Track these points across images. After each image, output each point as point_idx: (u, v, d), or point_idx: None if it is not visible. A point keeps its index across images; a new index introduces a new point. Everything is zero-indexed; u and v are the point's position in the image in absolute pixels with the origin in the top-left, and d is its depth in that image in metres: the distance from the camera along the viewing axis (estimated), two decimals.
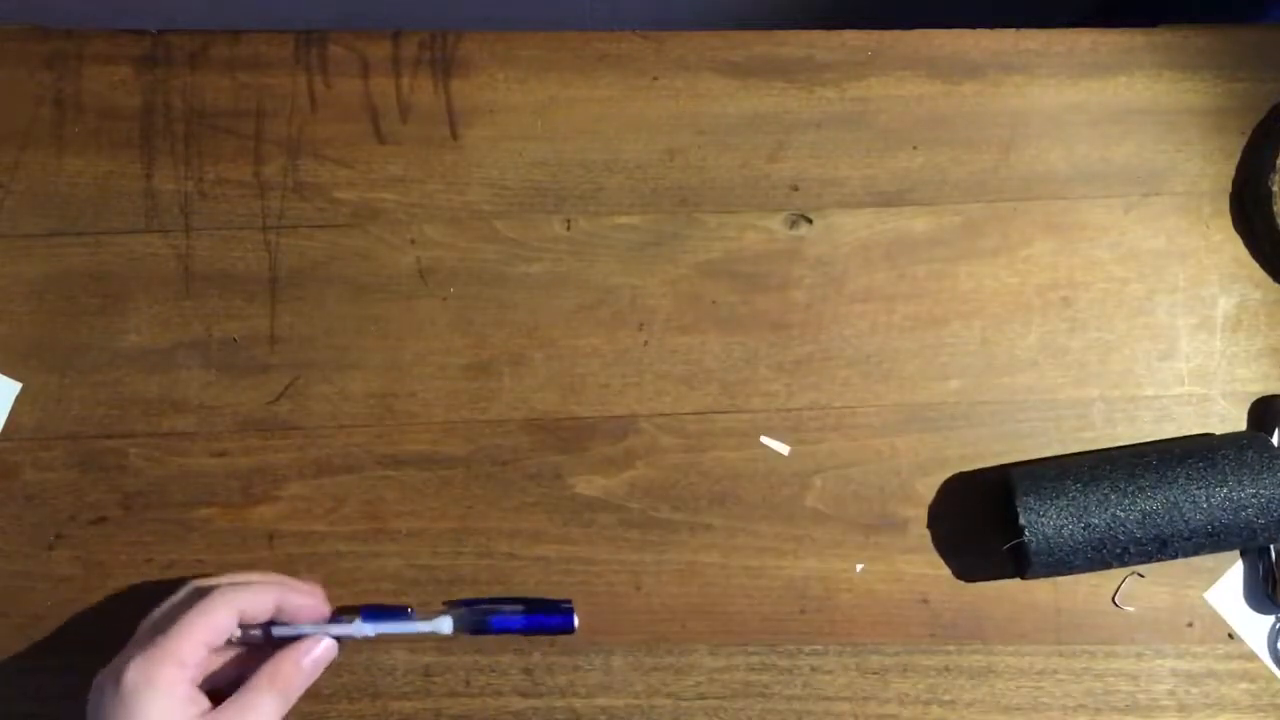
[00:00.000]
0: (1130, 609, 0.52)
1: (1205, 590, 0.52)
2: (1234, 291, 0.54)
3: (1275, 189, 0.52)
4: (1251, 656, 0.52)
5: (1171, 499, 0.48)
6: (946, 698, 0.52)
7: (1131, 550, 0.48)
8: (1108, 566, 0.50)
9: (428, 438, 0.53)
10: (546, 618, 0.50)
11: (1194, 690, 0.51)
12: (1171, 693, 0.51)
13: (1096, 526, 0.48)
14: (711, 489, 0.53)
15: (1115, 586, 0.52)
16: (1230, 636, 0.52)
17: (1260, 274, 0.54)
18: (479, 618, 0.49)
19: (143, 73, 0.55)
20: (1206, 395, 0.53)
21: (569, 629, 0.50)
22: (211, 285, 0.54)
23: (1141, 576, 0.52)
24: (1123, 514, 0.48)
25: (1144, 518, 0.48)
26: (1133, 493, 0.48)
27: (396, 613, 0.48)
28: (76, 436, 0.53)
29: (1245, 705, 0.51)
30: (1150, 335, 0.53)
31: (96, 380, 0.53)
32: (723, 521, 0.52)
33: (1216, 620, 0.52)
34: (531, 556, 0.52)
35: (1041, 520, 0.48)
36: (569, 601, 0.50)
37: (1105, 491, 0.48)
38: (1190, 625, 0.52)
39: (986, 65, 0.55)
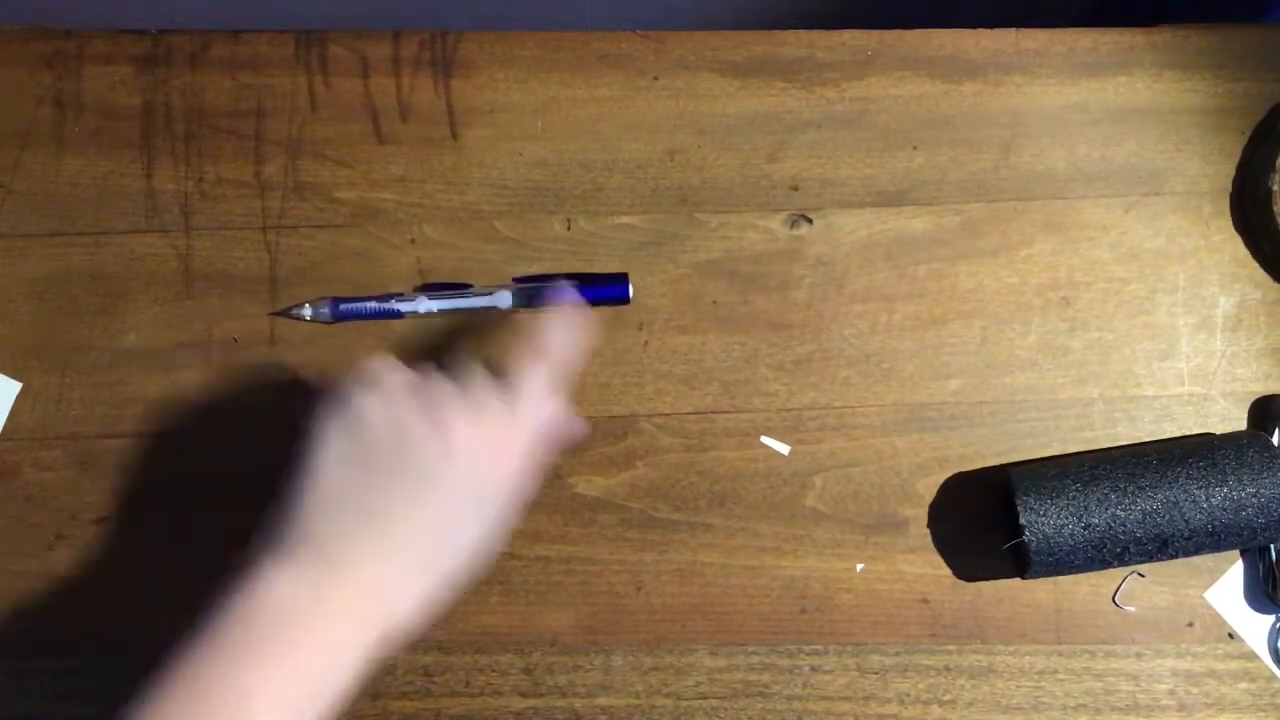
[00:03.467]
0: (1130, 609, 0.52)
1: (1205, 590, 0.52)
2: (1234, 291, 0.54)
3: (1275, 189, 0.52)
4: (1252, 656, 0.52)
5: (1171, 498, 0.48)
6: (946, 698, 0.52)
7: (1132, 550, 0.48)
8: (1108, 566, 0.50)
9: None
10: (602, 289, 0.51)
11: (1194, 690, 0.51)
12: (1172, 692, 0.51)
13: (1096, 526, 0.48)
14: (712, 489, 0.53)
15: (1115, 586, 0.52)
16: (1230, 636, 0.52)
17: (1260, 274, 0.54)
18: (536, 291, 0.51)
19: (143, 73, 0.55)
20: (1206, 395, 0.53)
21: (624, 299, 0.51)
22: (211, 285, 0.54)
23: (1142, 576, 0.52)
24: (1123, 513, 0.48)
25: (1144, 517, 0.48)
26: (1133, 492, 0.48)
27: (457, 288, 0.51)
28: (76, 436, 0.53)
29: (1245, 705, 0.51)
30: (1150, 335, 0.53)
31: (96, 380, 0.53)
32: (723, 521, 0.52)
33: (1217, 620, 0.52)
34: (531, 556, 0.52)
35: (1041, 520, 0.48)
36: (624, 274, 0.52)
37: (1105, 491, 0.48)
38: (1190, 625, 0.52)
39: (986, 65, 0.55)
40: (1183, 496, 0.48)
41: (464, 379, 0.43)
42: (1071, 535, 0.48)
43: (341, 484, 0.40)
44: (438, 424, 0.41)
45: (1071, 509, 0.48)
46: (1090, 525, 0.48)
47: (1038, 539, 0.48)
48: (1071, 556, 0.48)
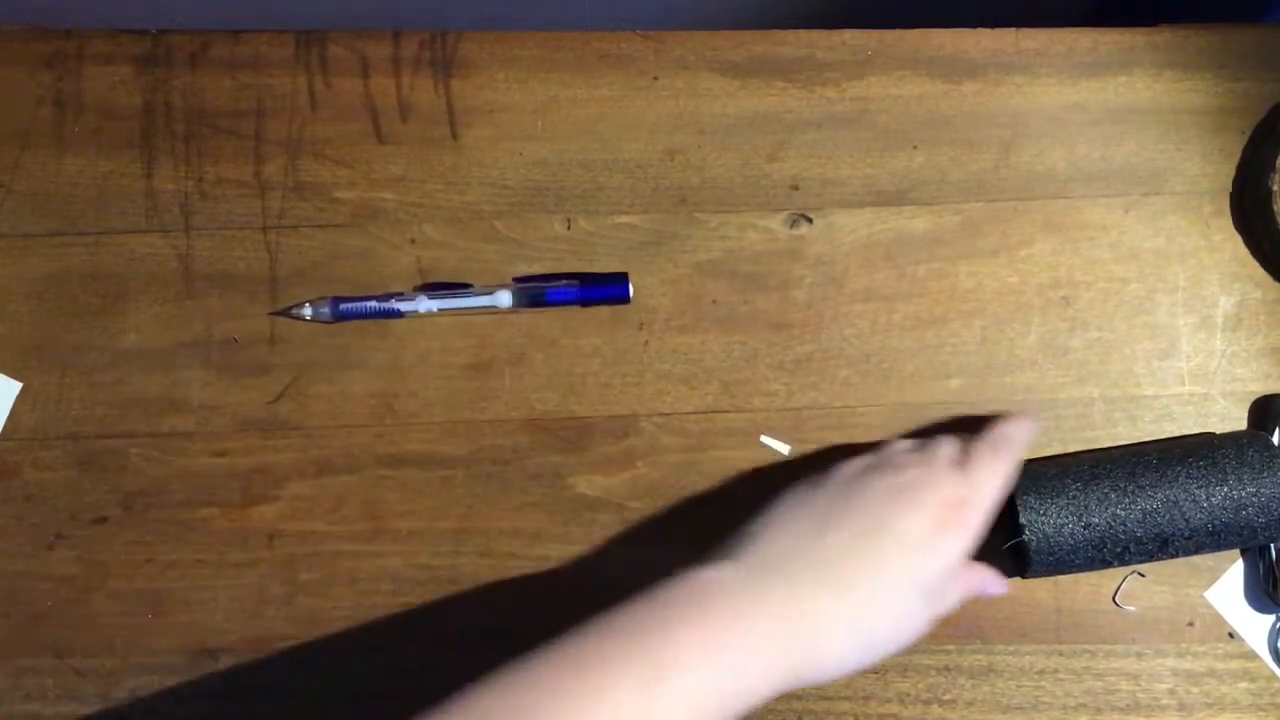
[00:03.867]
0: (1130, 608, 0.52)
1: (1205, 590, 0.52)
2: (1234, 291, 0.54)
3: (1275, 189, 0.52)
4: (1252, 656, 0.52)
5: (1172, 498, 0.48)
6: (947, 697, 0.52)
7: (1132, 549, 0.48)
8: (1108, 565, 0.50)
9: (428, 438, 0.53)
10: (602, 289, 0.52)
11: (1194, 689, 0.51)
12: (1172, 692, 0.51)
13: (1097, 525, 0.48)
14: (712, 489, 0.53)
15: (1115, 586, 0.52)
16: (1230, 636, 0.52)
17: (1260, 274, 0.54)
18: (537, 291, 0.52)
19: (143, 73, 0.55)
20: (1206, 395, 0.53)
21: (624, 299, 0.52)
22: (211, 285, 0.54)
23: (1142, 576, 0.52)
24: (1123, 513, 0.48)
25: (1144, 516, 0.48)
26: (1133, 492, 0.48)
27: (457, 288, 0.51)
28: (76, 436, 0.53)
29: (1246, 705, 0.51)
30: (1150, 335, 0.53)
31: (96, 380, 0.53)
32: (723, 521, 0.52)
33: (1217, 620, 0.52)
34: (532, 556, 0.52)
35: (1042, 519, 0.48)
36: (624, 273, 0.52)
37: (1105, 490, 0.48)
38: (1191, 625, 0.52)
39: (986, 65, 0.55)
40: (1183, 496, 0.48)
41: (927, 451, 0.46)
42: (1072, 535, 0.48)
43: (794, 513, 0.44)
44: (895, 480, 0.44)
45: (1071, 508, 0.48)
46: (1090, 525, 0.48)
47: (1038, 538, 0.48)
48: (1072, 556, 0.48)
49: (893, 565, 0.42)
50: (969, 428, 0.49)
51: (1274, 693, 0.51)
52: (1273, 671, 0.51)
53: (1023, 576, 0.51)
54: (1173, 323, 0.54)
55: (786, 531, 0.43)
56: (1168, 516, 0.48)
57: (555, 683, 0.37)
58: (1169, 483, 0.48)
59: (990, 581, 0.48)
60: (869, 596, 0.42)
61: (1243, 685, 0.52)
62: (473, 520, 0.52)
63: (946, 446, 0.47)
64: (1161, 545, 0.48)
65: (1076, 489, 0.49)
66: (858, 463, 0.46)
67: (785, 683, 0.40)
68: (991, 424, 0.48)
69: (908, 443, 0.48)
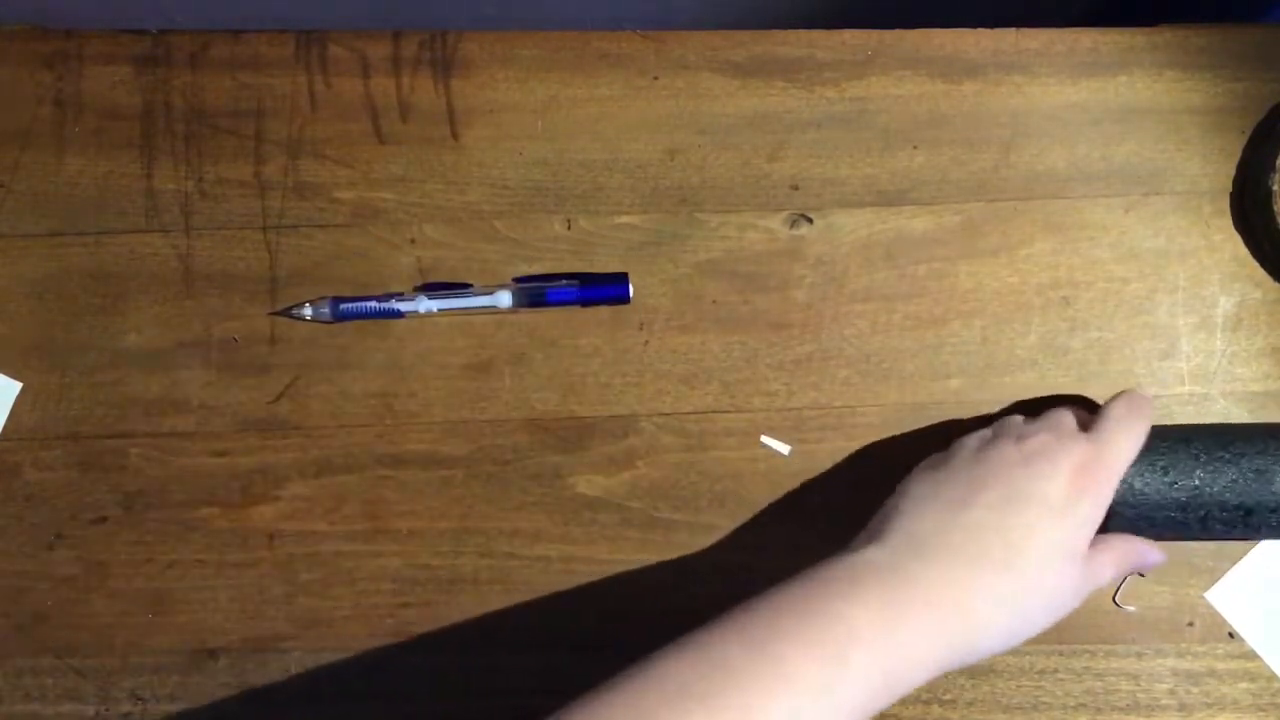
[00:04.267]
0: (1130, 608, 0.52)
1: (1205, 590, 0.52)
2: (1234, 291, 0.54)
3: (1275, 189, 0.52)
4: (1252, 656, 0.52)
5: (1261, 467, 0.47)
6: (947, 697, 0.52)
7: (1216, 515, 0.47)
8: (1189, 531, 0.48)
9: (428, 438, 0.53)
10: (602, 289, 0.52)
11: (1194, 690, 0.51)
12: (1172, 692, 0.51)
13: (1182, 486, 0.47)
14: (712, 488, 0.53)
15: (1115, 586, 0.52)
16: (1230, 636, 0.52)
17: (1260, 274, 0.54)
18: (537, 291, 0.52)
19: (143, 73, 0.55)
20: (1207, 395, 0.53)
21: (624, 299, 0.52)
22: (211, 285, 0.54)
23: (1142, 576, 0.52)
24: (1210, 475, 0.47)
25: (1231, 483, 0.47)
26: (1222, 457, 0.47)
27: (457, 288, 0.51)
28: (76, 436, 0.53)
29: (1246, 705, 0.51)
30: (1150, 335, 0.53)
31: (96, 380, 0.53)
32: (723, 521, 0.52)
33: (1217, 620, 0.52)
34: (532, 556, 0.52)
35: (1128, 471, 0.47)
36: (624, 273, 0.52)
37: (1195, 451, 0.47)
38: (1191, 625, 0.52)
39: (986, 65, 0.55)
40: (1273, 466, 0.47)
41: (1050, 418, 0.47)
42: (1157, 491, 0.47)
43: (930, 492, 0.44)
44: (1024, 447, 0.44)
45: (1159, 465, 0.47)
46: (1176, 484, 0.47)
47: (1123, 489, 0.47)
48: (1154, 513, 0.47)
49: (1036, 533, 0.42)
50: (1044, 407, 0.49)
51: (1274, 693, 0.51)
52: (1273, 672, 0.51)
53: (1103, 530, 0.49)
54: (1173, 323, 0.54)
55: (926, 510, 0.43)
56: (1255, 486, 0.47)
57: (730, 660, 0.37)
58: (1259, 453, 0.47)
59: (1146, 551, 0.47)
60: (1019, 571, 0.41)
61: (1243, 685, 0.52)
62: (473, 520, 0.52)
63: (1068, 414, 0.47)
64: (1245, 515, 0.47)
65: (1165, 447, 0.47)
66: (980, 436, 0.47)
67: (947, 662, 0.40)
68: (1114, 396, 0.48)
69: (1022, 417, 0.48)
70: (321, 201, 0.54)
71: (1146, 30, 0.55)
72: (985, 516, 0.42)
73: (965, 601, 0.40)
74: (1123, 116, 0.55)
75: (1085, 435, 0.45)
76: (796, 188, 0.54)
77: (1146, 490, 0.47)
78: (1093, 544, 0.44)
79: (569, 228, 0.54)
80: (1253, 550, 0.52)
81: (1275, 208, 0.52)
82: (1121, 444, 0.45)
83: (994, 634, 0.41)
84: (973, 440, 0.47)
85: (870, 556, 0.41)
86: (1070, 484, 0.43)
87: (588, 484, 0.53)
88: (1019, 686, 0.52)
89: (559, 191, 0.54)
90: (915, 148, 0.54)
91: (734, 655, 0.37)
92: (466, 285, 0.52)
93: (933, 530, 0.42)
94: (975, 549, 0.41)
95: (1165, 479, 0.47)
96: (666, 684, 0.37)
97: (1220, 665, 0.52)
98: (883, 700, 0.39)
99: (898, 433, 0.53)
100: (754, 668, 0.37)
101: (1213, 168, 0.54)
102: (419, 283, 0.53)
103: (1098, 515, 0.44)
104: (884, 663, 0.38)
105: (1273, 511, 0.47)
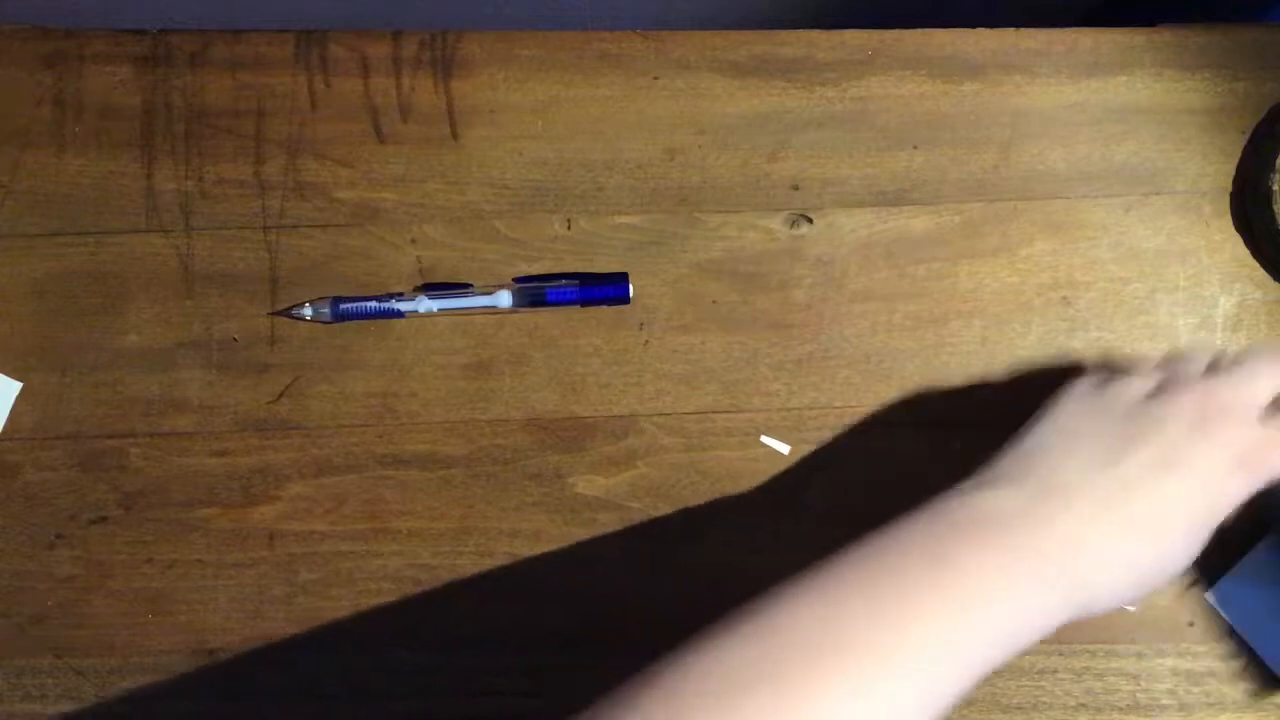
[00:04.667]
0: (1131, 608, 0.52)
1: (1206, 590, 0.52)
2: (1234, 291, 0.54)
3: (1275, 189, 0.52)
4: (1252, 656, 0.52)
5: None
6: None
7: None
8: None
9: (428, 438, 0.53)
10: (602, 289, 0.52)
11: (1195, 689, 0.51)
12: (1172, 692, 0.51)
13: None
14: (712, 488, 0.53)
15: None
16: (1231, 636, 0.52)
17: (1260, 274, 0.54)
18: (537, 291, 0.52)
19: (143, 73, 0.55)
20: None
21: (624, 299, 0.52)
22: (211, 285, 0.54)
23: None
24: None
25: None
26: None
27: (457, 288, 0.51)
28: (76, 436, 0.53)
29: (1246, 705, 0.51)
30: (1150, 335, 0.53)
31: (97, 380, 0.53)
32: (723, 521, 0.52)
33: (1217, 620, 0.52)
34: (532, 556, 0.52)
35: None
36: (624, 273, 0.52)
37: None
38: (1191, 625, 0.52)
39: (986, 65, 0.55)
40: None
41: (1232, 379, 0.44)
42: None
43: (1081, 436, 0.41)
44: (1197, 412, 0.42)
45: None
46: None
47: None
48: None
49: (1182, 503, 0.40)
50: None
51: (1274, 693, 0.51)
52: (1273, 672, 0.51)
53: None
54: (1173, 323, 0.54)
55: (1073, 455, 0.41)
56: None
57: (853, 614, 0.36)
58: None
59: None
60: (1154, 538, 0.40)
61: (1243, 685, 0.52)
62: (473, 520, 0.52)
63: (1258, 379, 0.44)
64: None
65: None
66: (1149, 383, 0.44)
67: (1067, 616, 0.39)
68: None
69: (1201, 361, 0.45)
70: (321, 201, 0.54)
71: (1146, 30, 0.55)
72: (1135, 477, 0.40)
73: (1094, 561, 0.39)
74: (1123, 116, 0.55)
75: (1259, 420, 0.42)
76: (796, 188, 0.54)
77: None
78: None
79: (569, 228, 0.54)
80: (1253, 550, 0.52)
81: (1275, 208, 0.52)
82: (1260, 388, 0.43)
83: (1113, 593, 0.40)
84: (1142, 385, 0.44)
85: (1005, 502, 0.39)
86: (1234, 464, 0.41)
87: (588, 484, 0.53)
88: (1019, 686, 0.52)
89: (559, 191, 0.54)
90: (915, 148, 0.54)
91: (857, 610, 0.36)
92: (466, 285, 0.52)
93: (1075, 482, 0.40)
94: (1117, 510, 0.39)
95: None
96: (795, 633, 0.35)
97: (1220, 665, 0.52)
98: (1003, 657, 0.37)
99: (898, 433, 0.53)
100: (880, 621, 0.35)
101: (1213, 168, 0.54)
102: (419, 283, 0.53)
103: (1245, 497, 0.42)
104: (1010, 617, 0.37)
105: None
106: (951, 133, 0.54)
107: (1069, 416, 0.43)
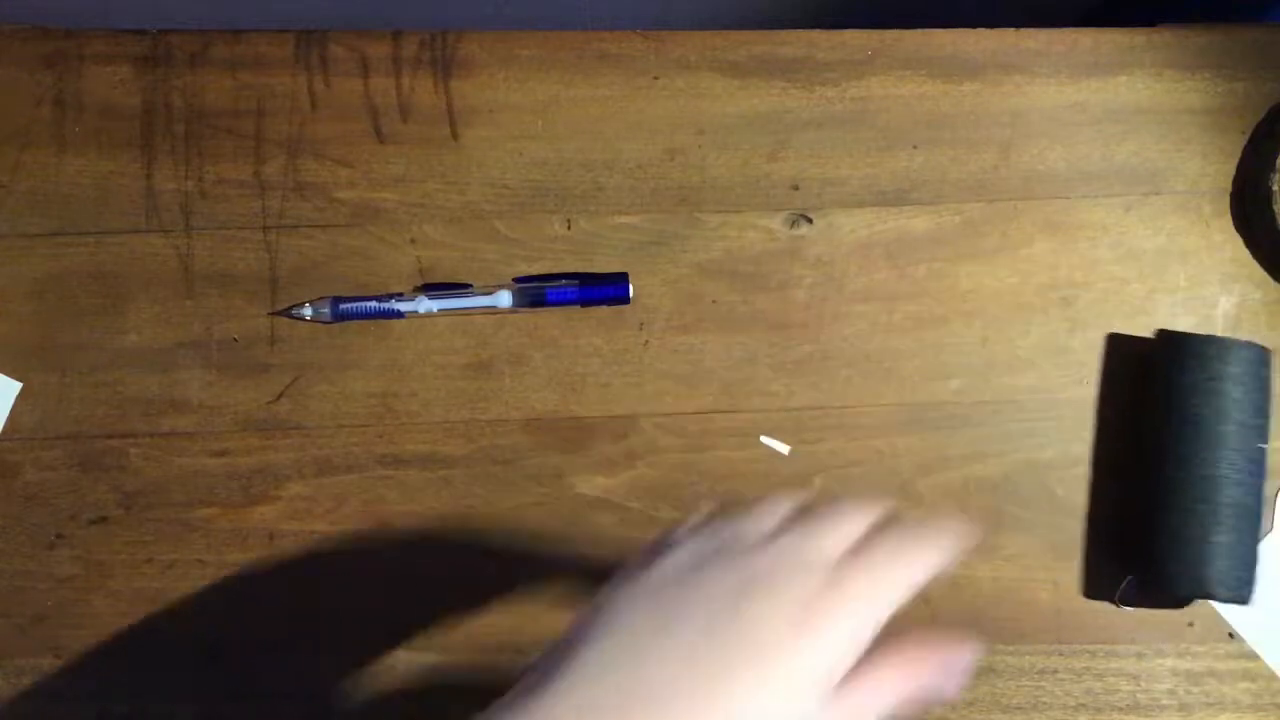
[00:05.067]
0: (1131, 608, 0.52)
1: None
2: (1234, 291, 0.54)
3: (1275, 189, 0.52)
4: (1252, 656, 0.52)
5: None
6: None
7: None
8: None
9: (428, 438, 0.53)
10: (602, 289, 0.52)
11: (1194, 690, 0.51)
12: (1172, 692, 0.51)
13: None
14: (712, 489, 0.53)
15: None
16: (1230, 636, 0.52)
17: (1260, 274, 0.54)
18: (536, 291, 0.52)
19: (143, 73, 0.55)
20: None
21: (624, 299, 0.52)
22: (211, 285, 0.54)
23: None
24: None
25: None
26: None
27: (457, 288, 0.51)
28: (76, 436, 0.53)
29: (1246, 705, 0.51)
30: (1150, 335, 0.53)
31: (97, 380, 0.53)
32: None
33: (1217, 620, 0.52)
34: (532, 556, 0.52)
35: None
36: (624, 273, 0.52)
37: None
38: (1190, 625, 0.52)
39: (986, 65, 0.55)
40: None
41: (799, 530, 0.37)
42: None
43: (629, 605, 0.36)
44: (746, 565, 0.35)
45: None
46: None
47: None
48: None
49: (740, 676, 0.33)
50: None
51: (1274, 693, 0.51)
52: (1273, 672, 0.51)
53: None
54: (1173, 323, 0.54)
55: (621, 631, 0.35)
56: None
57: None
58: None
59: (920, 672, 0.37)
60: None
61: (1243, 685, 0.52)
62: (473, 520, 0.52)
63: (826, 533, 0.36)
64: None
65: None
66: (699, 536, 0.37)
67: None
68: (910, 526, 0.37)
69: (781, 510, 0.38)
70: (321, 201, 0.54)
71: (1146, 30, 0.55)
72: (686, 649, 0.34)
73: None
74: (1123, 116, 0.55)
75: (829, 563, 0.35)
76: (796, 188, 0.54)
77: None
78: (855, 673, 0.35)
79: (569, 228, 0.54)
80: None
81: (1275, 208, 0.52)
82: (866, 587, 0.35)
83: None
84: (685, 551, 0.37)
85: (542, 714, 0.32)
86: (793, 623, 0.34)
87: (588, 484, 0.53)
88: (1019, 686, 0.52)
89: (559, 191, 0.54)
90: (915, 148, 0.54)
91: None
92: (466, 285, 0.52)
93: (627, 660, 0.34)
94: (668, 690, 0.33)
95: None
96: None
97: (1220, 665, 0.52)
98: None
99: (897, 433, 0.53)
100: None
101: (1213, 168, 0.54)
102: (419, 283, 0.53)
103: (827, 659, 0.34)
104: None
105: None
106: (951, 133, 0.54)
107: (619, 598, 0.36)
